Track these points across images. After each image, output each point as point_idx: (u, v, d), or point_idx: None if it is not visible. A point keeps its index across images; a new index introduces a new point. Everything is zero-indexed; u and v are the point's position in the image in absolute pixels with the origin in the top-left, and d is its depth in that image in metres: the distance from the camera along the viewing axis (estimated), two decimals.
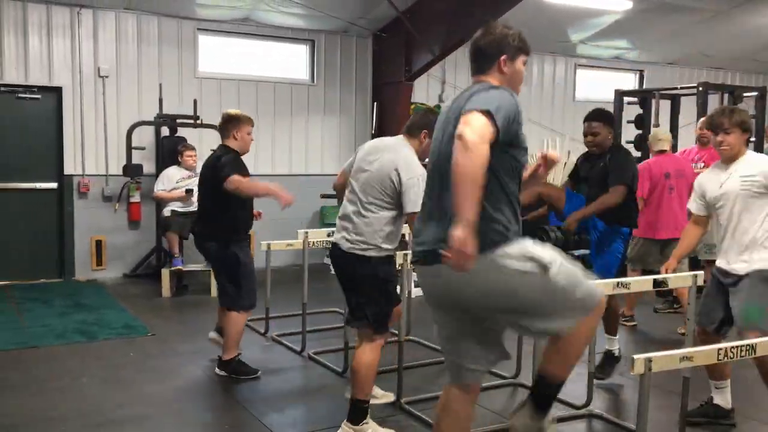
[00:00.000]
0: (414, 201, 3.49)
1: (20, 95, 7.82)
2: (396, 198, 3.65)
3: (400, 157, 3.68)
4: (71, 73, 7.98)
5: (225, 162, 4.62)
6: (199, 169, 7.58)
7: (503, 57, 2.70)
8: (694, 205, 4.09)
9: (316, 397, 4.57)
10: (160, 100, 8.05)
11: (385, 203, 3.66)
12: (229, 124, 4.77)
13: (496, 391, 4.59)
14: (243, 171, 4.68)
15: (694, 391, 3.69)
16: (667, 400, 4.15)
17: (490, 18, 8.09)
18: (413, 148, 3.77)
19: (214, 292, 7.18)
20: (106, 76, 8.12)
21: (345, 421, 3.77)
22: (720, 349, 2.64)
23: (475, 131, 2.32)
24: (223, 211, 4.65)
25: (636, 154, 7.42)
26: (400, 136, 3.85)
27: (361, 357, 3.72)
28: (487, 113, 2.39)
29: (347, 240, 3.70)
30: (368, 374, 3.71)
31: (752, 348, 2.70)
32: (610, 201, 4.44)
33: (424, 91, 9.87)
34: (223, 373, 4.79)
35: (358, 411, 3.75)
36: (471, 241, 2.26)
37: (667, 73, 11.75)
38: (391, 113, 9.36)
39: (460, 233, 2.25)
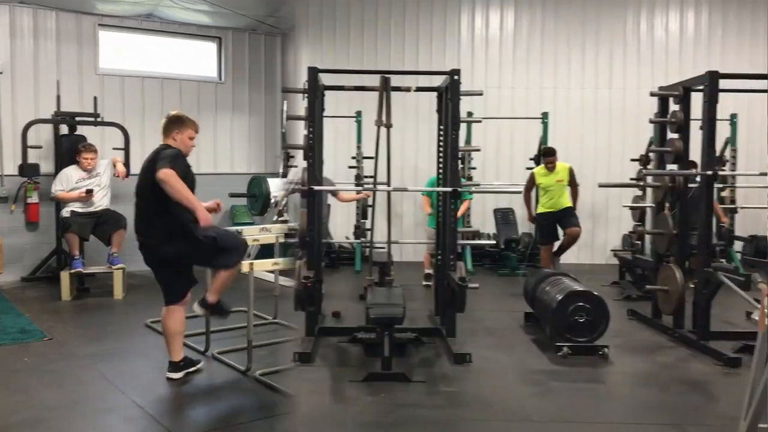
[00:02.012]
0: None
1: None
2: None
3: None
4: None
5: (164, 155, 4.44)
6: (100, 169, 7.43)
7: None
8: None
9: (218, 397, 4.54)
10: (58, 98, 7.82)
11: None
12: (172, 124, 4.70)
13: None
14: (182, 168, 4.47)
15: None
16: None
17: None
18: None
19: (116, 294, 7.05)
20: (1, 72, 7.82)
21: None
22: None
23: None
24: (166, 211, 4.42)
25: None
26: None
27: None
28: None
29: None
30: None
31: None
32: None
33: None
34: (176, 376, 4.73)
35: None
36: None
37: None
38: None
39: None
